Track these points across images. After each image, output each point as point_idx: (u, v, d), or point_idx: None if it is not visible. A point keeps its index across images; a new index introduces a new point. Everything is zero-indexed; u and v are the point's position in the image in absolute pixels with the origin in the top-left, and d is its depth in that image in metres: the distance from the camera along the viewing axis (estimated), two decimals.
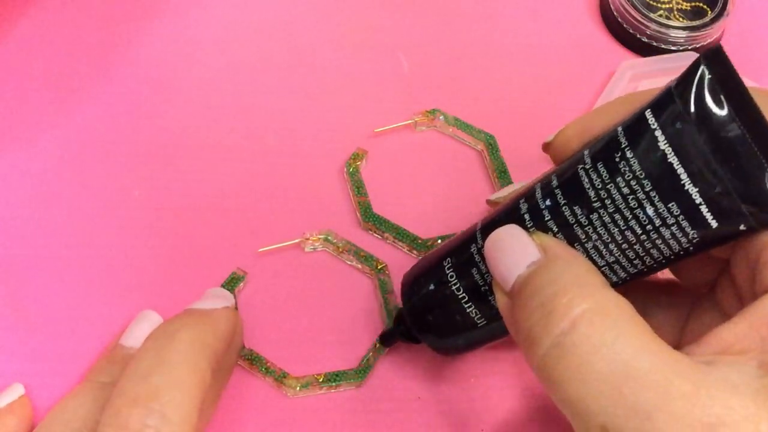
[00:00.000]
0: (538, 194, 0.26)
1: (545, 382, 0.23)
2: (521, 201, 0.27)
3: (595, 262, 0.25)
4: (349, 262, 0.36)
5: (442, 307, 0.29)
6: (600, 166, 0.24)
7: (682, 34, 0.43)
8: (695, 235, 0.23)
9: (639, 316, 0.23)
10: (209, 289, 0.34)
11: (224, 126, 0.40)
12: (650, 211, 0.23)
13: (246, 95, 0.41)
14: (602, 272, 0.25)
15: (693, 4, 0.44)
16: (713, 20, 0.43)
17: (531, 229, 0.26)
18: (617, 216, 0.24)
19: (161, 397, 0.26)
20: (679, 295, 0.29)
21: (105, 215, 0.37)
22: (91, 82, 0.40)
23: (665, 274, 0.29)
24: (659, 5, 0.44)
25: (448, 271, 0.29)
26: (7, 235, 0.36)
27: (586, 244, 0.25)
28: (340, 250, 0.36)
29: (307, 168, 0.39)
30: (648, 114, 0.24)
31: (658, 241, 0.24)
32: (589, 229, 0.25)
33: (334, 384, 0.33)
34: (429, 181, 0.39)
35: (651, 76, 0.42)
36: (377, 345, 0.34)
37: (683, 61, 0.42)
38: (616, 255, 0.25)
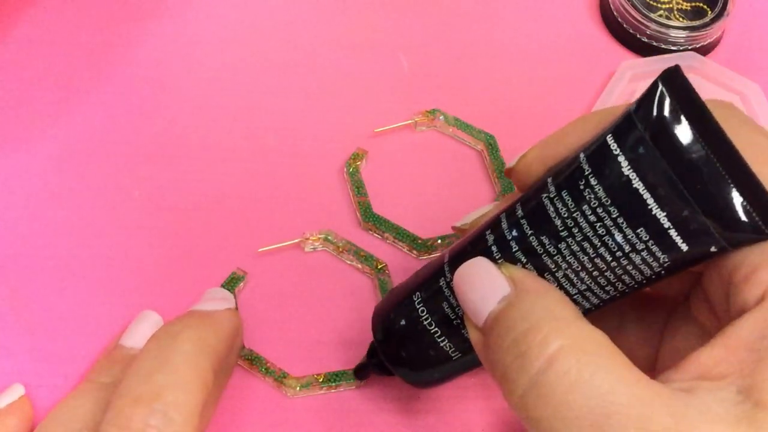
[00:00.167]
0: (504, 224, 0.26)
1: (524, 420, 0.22)
2: (487, 232, 0.26)
3: (566, 291, 0.25)
4: (349, 262, 0.36)
5: (415, 342, 0.29)
6: (564, 194, 0.24)
7: (682, 34, 0.43)
8: (666, 259, 0.23)
9: (615, 347, 0.22)
10: (209, 289, 0.34)
11: (224, 126, 0.40)
12: (619, 237, 0.23)
13: (246, 95, 0.41)
14: (574, 300, 0.25)
15: (693, 4, 0.44)
16: (713, 20, 0.43)
17: (499, 261, 0.25)
18: (586, 244, 0.24)
19: (164, 397, 0.26)
20: (653, 309, 0.28)
21: (105, 215, 0.37)
22: (91, 82, 0.40)
23: None
24: (659, 5, 0.44)
25: (418, 306, 0.28)
26: (7, 235, 0.36)
27: (556, 273, 0.25)
28: (340, 250, 0.36)
29: (307, 168, 0.39)
30: (609, 139, 0.23)
31: (629, 267, 0.24)
32: (558, 258, 0.24)
33: (334, 384, 0.33)
34: (429, 181, 0.39)
35: (651, 76, 0.41)
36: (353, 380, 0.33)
37: (683, 61, 0.42)
38: (588, 283, 0.24)
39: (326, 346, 0.34)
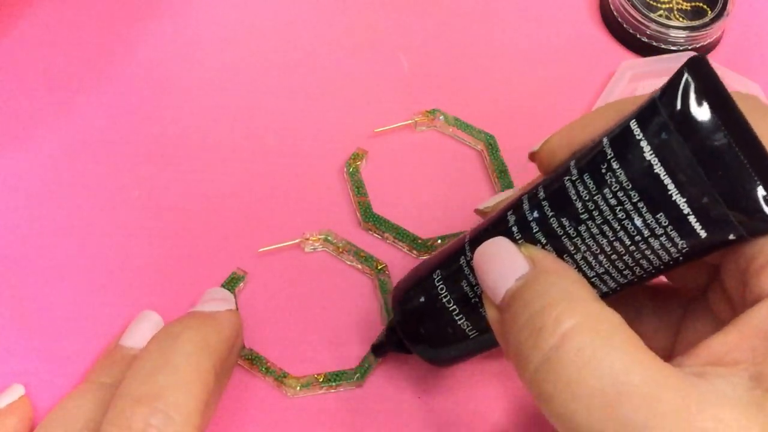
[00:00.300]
0: (526, 206, 0.26)
1: (536, 397, 0.23)
2: (509, 213, 0.27)
3: (584, 274, 0.25)
4: (349, 263, 0.36)
5: (434, 320, 0.29)
6: (587, 177, 0.24)
7: (682, 34, 0.43)
8: (684, 245, 0.23)
9: (629, 328, 0.22)
10: (209, 289, 0.34)
11: (224, 126, 0.40)
12: (638, 221, 0.23)
13: (246, 95, 0.41)
14: (592, 283, 0.25)
15: (693, 4, 0.44)
16: (713, 20, 0.43)
17: (519, 241, 0.26)
18: (605, 227, 0.24)
19: (165, 398, 0.26)
20: (671, 301, 0.28)
21: (105, 215, 0.37)
22: (91, 82, 0.40)
23: (657, 278, 0.29)
24: (659, 5, 0.44)
25: (438, 284, 0.29)
26: (7, 235, 0.36)
27: (575, 256, 0.25)
28: (340, 250, 0.36)
29: (307, 168, 0.39)
30: (633, 125, 0.23)
31: (648, 252, 0.24)
32: (577, 240, 0.25)
33: (334, 384, 0.33)
34: (429, 181, 0.39)
35: (651, 76, 0.42)
36: (371, 356, 0.34)
37: (683, 61, 0.42)
38: (606, 266, 0.25)
39: (326, 346, 0.34)
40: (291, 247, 0.36)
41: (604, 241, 0.24)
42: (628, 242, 0.24)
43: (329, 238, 0.36)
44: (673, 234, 0.23)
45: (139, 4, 0.43)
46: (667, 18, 0.44)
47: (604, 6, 0.45)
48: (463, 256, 0.28)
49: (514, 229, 0.26)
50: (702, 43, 0.44)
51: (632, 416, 0.21)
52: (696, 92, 0.22)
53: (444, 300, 0.29)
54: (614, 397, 0.21)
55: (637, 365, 0.21)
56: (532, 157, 0.29)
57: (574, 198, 0.24)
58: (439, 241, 0.36)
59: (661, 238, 0.23)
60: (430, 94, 0.42)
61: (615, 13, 0.44)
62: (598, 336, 0.22)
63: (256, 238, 0.36)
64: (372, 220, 0.37)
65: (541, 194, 0.26)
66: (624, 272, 0.25)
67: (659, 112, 0.23)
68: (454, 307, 0.28)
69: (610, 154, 0.24)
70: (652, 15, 0.43)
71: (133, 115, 0.40)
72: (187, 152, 0.39)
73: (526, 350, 0.23)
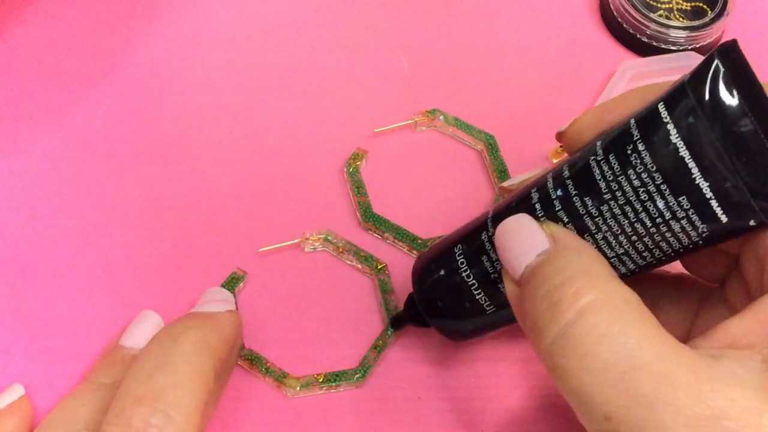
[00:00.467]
0: (550, 184, 0.26)
1: (551, 370, 0.23)
2: (533, 190, 0.27)
3: (604, 253, 0.25)
4: (349, 262, 0.36)
5: (452, 293, 0.30)
6: (612, 157, 0.24)
7: (682, 34, 0.43)
8: (705, 229, 0.24)
9: (645, 307, 0.23)
10: (209, 289, 0.34)
11: (224, 126, 0.40)
12: (660, 204, 0.24)
13: (246, 95, 0.41)
14: (611, 263, 0.25)
15: (693, 4, 0.44)
16: (713, 20, 0.43)
17: (541, 219, 0.26)
18: (627, 208, 0.24)
19: (165, 397, 0.26)
20: (689, 290, 0.29)
21: (105, 215, 0.37)
22: (91, 82, 0.40)
23: (676, 268, 0.29)
24: (659, 5, 0.44)
25: (458, 258, 0.29)
26: (6, 235, 0.36)
27: (595, 235, 0.25)
28: (340, 250, 0.36)
29: (307, 168, 0.39)
30: (661, 107, 0.24)
31: (668, 234, 0.24)
32: (599, 220, 0.25)
33: (334, 384, 0.33)
34: (429, 181, 0.39)
35: (651, 76, 0.42)
36: (387, 330, 0.34)
37: (683, 61, 0.42)
38: (626, 247, 0.25)
39: (326, 346, 0.34)
40: (291, 247, 0.36)
41: (626, 221, 0.24)
42: (649, 224, 0.24)
43: (329, 238, 0.36)
44: (695, 218, 0.23)
45: (139, 4, 0.43)
46: (667, 18, 0.44)
47: (604, 6, 0.45)
48: (485, 232, 0.28)
49: (537, 206, 0.26)
50: (702, 43, 0.44)
51: (644, 391, 0.21)
52: (725, 78, 0.23)
53: (464, 274, 0.29)
54: (627, 371, 0.21)
55: (652, 342, 0.22)
56: (559, 137, 0.29)
57: (598, 178, 0.25)
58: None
59: (682, 221, 0.24)
60: (430, 94, 0.42)
61: (615, 13, 0.44)
62: (615, 312, 0.22)
63: (256, 238, 0.36)
64: (372, 220, 0.37)
65: (566, 173, 0.26)
66: (643, 254, 0.25)
67: (687, 95, 0.23)
68: (474, 281, 0.29)
69: (637, 136, 0.24)
70: (652, 15, 0.43)
71: (133, 115, 0.40)
72: (187, 152, 0.39)
73: (543, 323, 0.23)
